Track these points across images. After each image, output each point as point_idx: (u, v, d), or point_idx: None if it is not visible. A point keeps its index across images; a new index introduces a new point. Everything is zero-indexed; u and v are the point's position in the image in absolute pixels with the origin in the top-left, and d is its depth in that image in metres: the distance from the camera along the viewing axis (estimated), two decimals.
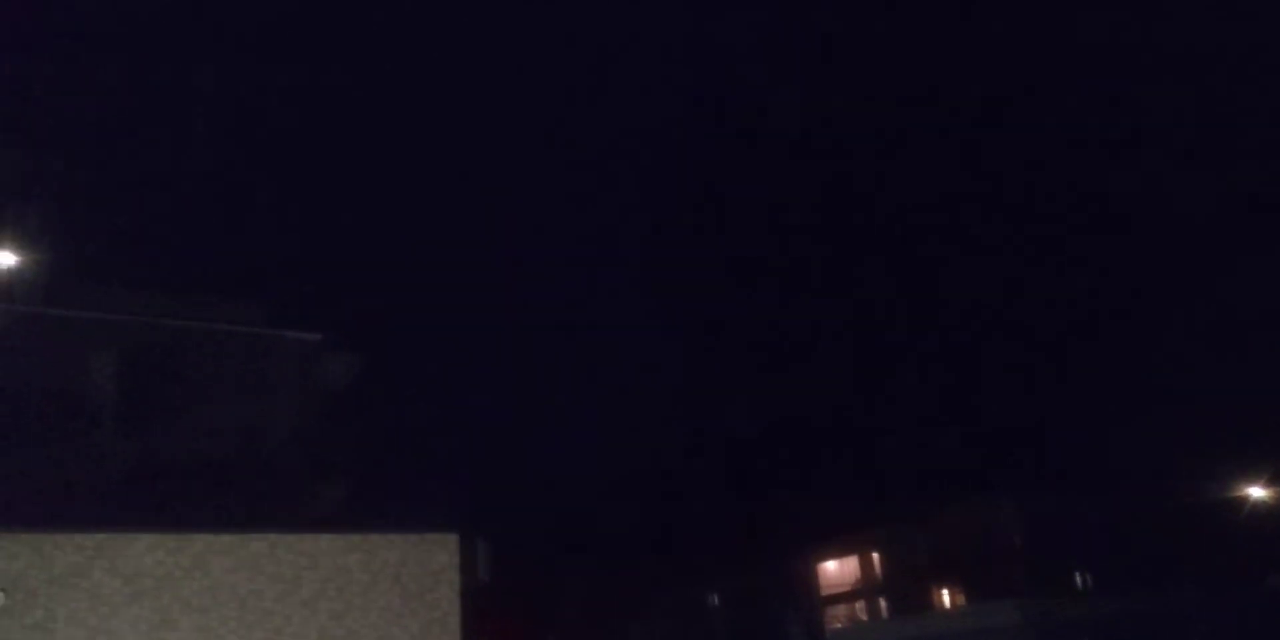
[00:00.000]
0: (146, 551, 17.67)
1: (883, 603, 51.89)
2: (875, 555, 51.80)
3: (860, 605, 53.89)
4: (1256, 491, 34.29)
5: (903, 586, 50.09)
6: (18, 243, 23.21)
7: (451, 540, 19.72)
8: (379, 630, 18.48)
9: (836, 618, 54.81)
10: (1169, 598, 36.30)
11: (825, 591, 55.40)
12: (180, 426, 22.18)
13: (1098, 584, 42.27)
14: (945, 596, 48.96)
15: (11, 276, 23.57)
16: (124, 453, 21.45)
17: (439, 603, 19.05)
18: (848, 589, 54.48)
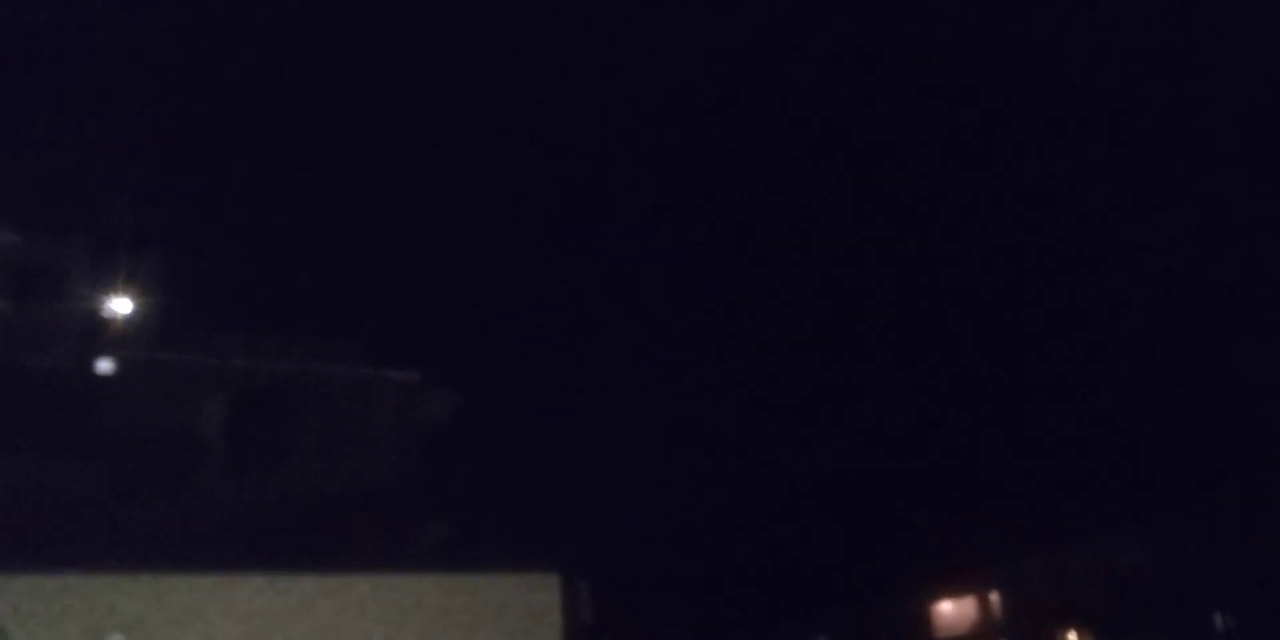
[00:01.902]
0: (257, 593, 17.89)
1: None
2: (995, 595, 49.63)
3: None
4: None
5: (1026, 629, 47.81)
6: (133, 291, 24.33)
7: (554, 581, 19.51)
8: None
9: None
10: None
11: (941, 634, 53.26)
12: (287, 467, 22.61)
13: (1240, 626, 39.59)
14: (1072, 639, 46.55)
15: (128, 323, 24.63)
16: (234, 494, 21.93)
17: None
18: (965, 631, 52.28)
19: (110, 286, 25.60)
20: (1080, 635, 47.47)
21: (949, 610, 51.98)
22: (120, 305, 25.54)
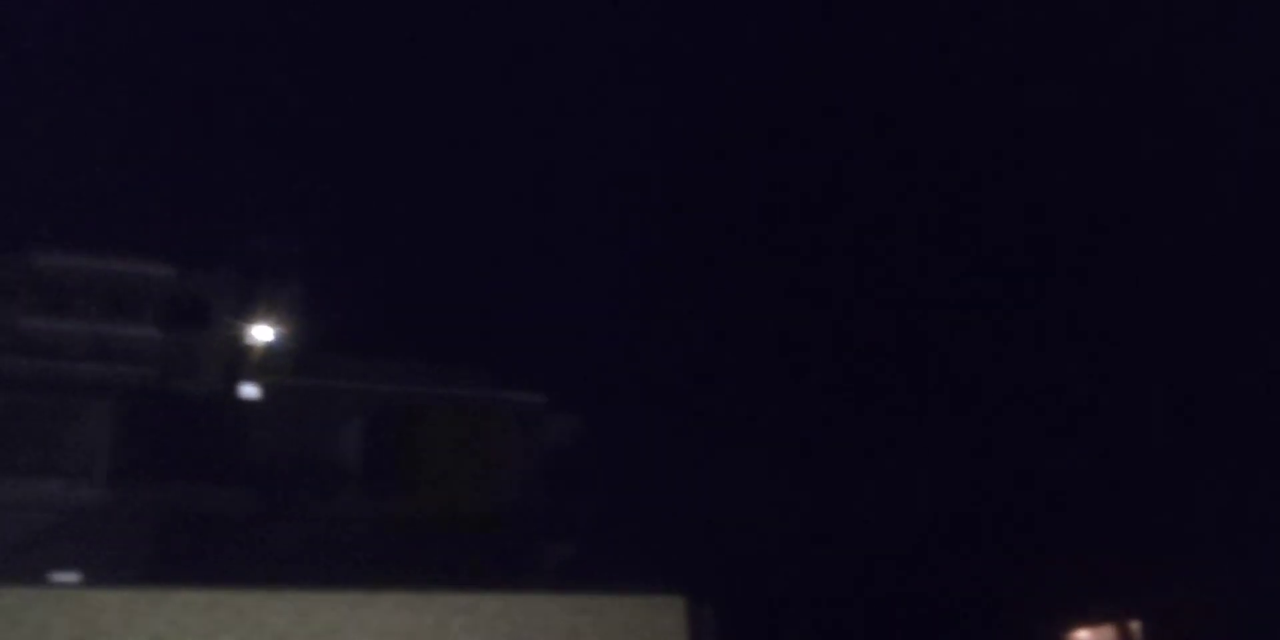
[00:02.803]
0: (393, 610, 18.42)
1: None
2: (1135, 625, 47.42)
3: None
4: None
5: None
6: (274, 320, 25.66)
7: (678, 603, 19.53)
8: None
9: None
10: None
11: None
12: (418, 488, 23.34)
13: None
14: None
15: (270, 350, 25.93)
16: (371, 514, 22.72)
17: None
18: None
19: (253, 316, 27.07)
20: None
21: None
22: (262, 333, 26.95)
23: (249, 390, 25.96)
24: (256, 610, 17.82)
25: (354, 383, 24.68)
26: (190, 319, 27.24)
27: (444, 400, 24.79)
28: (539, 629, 18.85)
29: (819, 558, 33.87)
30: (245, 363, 26.59)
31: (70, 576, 20.10)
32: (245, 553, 21.22)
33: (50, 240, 27.38)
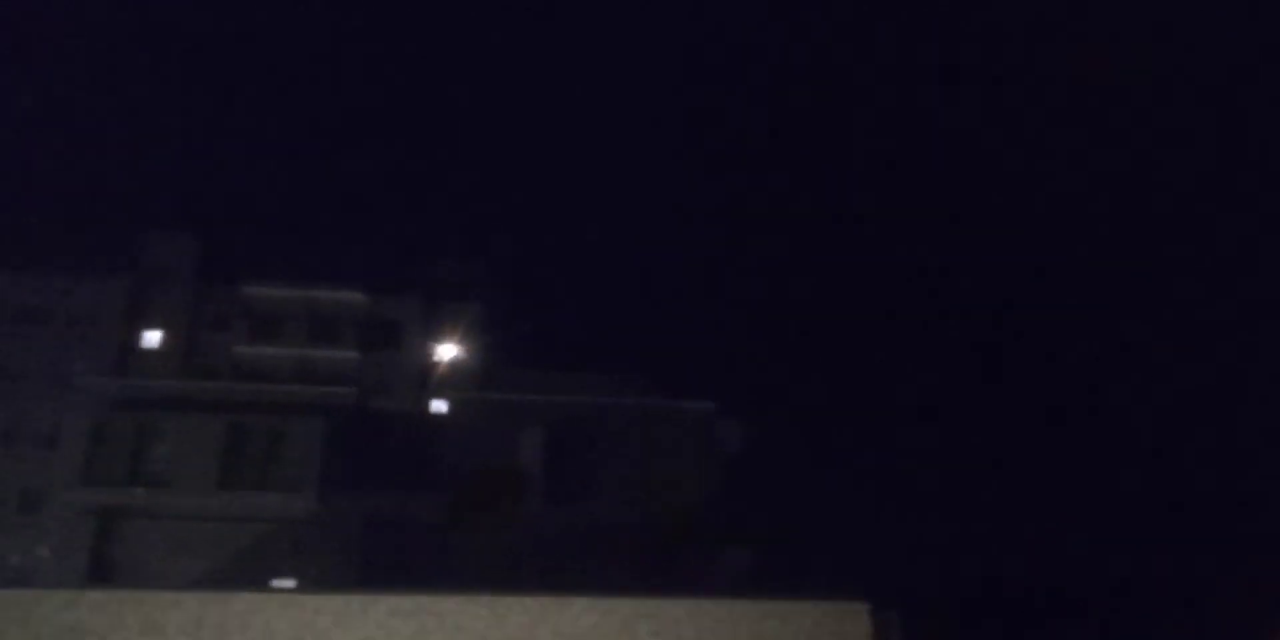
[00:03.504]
0: (582, 613, 18.98)
1: None
2: None
3: None
4: None
5: None
6: (458, 339, 27.08)
7: (862, 610, 19.33)
8: None
9: None
10: None
11: None
12: (600, 494, 24.02)
13: None
14: None
15: (456, 367, 27.38)
16: (552, 519, 23.52)
17: None
18: None
19: (439, 336, 28.66)
20: None
21: None
22: (448, 352, 28.52)
23: (438, 405, 27.42)
24: (456, 614, 18.73)
25: (534, 395, 25.62)
26: (384, 341, 29.06)
27: (619, 410, 25.41)
28: (723, 634, 19.00)
29: (1006, 561, 32.75)
30: (434, 379, 28.15)
31: (288, 582, 21.66)
32: (444, 558, 22.35)
33: (258, 274, 29.77)
